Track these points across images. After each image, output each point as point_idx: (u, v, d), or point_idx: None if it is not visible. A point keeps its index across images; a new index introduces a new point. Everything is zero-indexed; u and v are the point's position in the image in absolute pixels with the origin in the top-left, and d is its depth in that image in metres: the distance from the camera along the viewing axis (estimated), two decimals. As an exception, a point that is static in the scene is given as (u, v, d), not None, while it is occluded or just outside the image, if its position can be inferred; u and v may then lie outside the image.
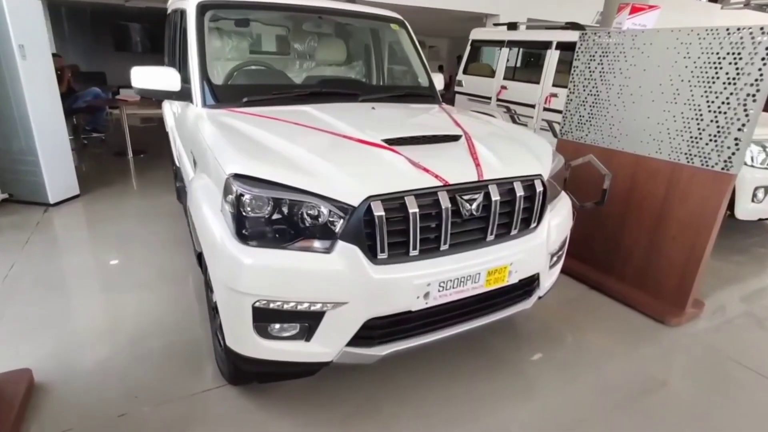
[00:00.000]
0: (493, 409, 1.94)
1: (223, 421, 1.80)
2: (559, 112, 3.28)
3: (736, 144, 2.31)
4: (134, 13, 10.92)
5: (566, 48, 4.86)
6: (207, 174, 1.79)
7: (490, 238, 1.74)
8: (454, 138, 1.94)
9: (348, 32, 3.15)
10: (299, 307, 1.48)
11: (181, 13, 2.61)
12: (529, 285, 1.95)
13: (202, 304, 2.54)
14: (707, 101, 2.41)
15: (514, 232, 1.80)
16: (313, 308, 1.50)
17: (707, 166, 2.44)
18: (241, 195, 1.46)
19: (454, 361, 2.20)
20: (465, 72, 6.41)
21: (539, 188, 1.83)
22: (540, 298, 2.06)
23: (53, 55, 6.36)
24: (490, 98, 5.89)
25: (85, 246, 3.43)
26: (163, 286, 2.79)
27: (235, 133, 1.83)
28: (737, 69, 2.28)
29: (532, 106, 5.28)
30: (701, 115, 2.44)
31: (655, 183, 2.70)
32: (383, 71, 3.20)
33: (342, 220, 1.48)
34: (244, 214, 1.46)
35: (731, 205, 3.54)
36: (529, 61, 5.58)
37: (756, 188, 3.54)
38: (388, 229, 1.51)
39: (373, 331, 1.59)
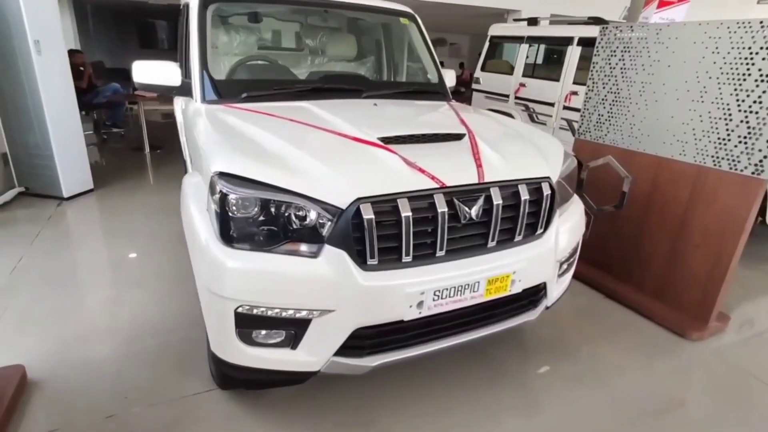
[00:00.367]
0: (495, 423, 1.82)
1: (210, 426, 1.75)
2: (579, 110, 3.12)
3: (769, 146, 2.13)
4: (158, 10, 11.09)
5: (588, 44, 4.65)
6: (199, 171, 1.74)
7: (491, 244, 1.63)
8: (457, 137, 1.83)
9: (355, 27, 3.06)
10: (284, 314, 1.41)
11: (187, 7, 2.57)
12: (534, 295, 1.83)
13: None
14: (737, 100, 2.23)
15: (518, 238, 1.69)
16: (298, 315, 1.42)
17: (736, 170, 2.26)
18: (225, 194, 1.39)
19: (454, 370, 2.10)
20: (483, 69, 6.23)
21: (546, 191, 1.71)
22: (548, 308, 1.93)
23: (75, 51, 6.52)
24: (507, 96, 5.71)
25: (93, 241, 3.45)
26: (165, 283, 2.77)
27: (227, 130, 1.76)
28: (771, 65, 2.10)
29: (552, 105, 5.09)
30: (730, 114, 2.27)
31: (678, 187, 2.52)
32: (391, 67, 3.10)
33: (329, 223, 1.40)
34: (227, 214, 1.39)
35: (762, 210, 3.31)
36: (550, 58, 5.38)
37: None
38: (379, 234, 1.42)
39: (362, 341, 1.51)
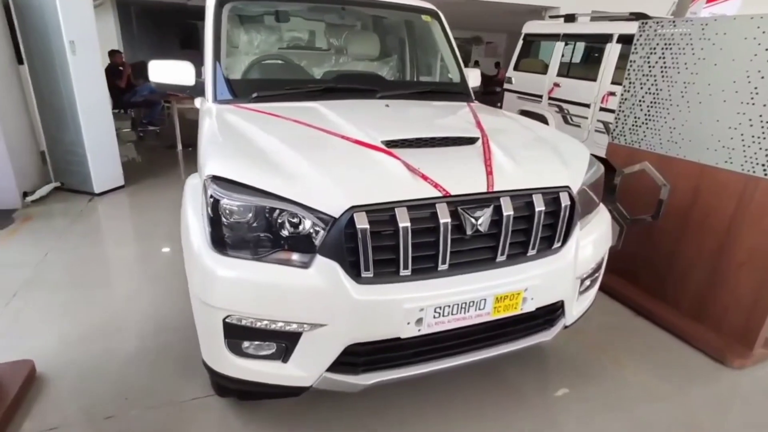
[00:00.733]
0: (502, 450, 1.70)
1: (205, 434, 1.71)
2: (613, 112, 2.91)
3: (830, 155, 1.88)
4: (198, 11, 11.39)
5: (628, 41, 4.35)
6: (200, 173, 1.70)
7: (500, 258, 1.50)
8: (470, 141, 1.71)
9: (374, 24, 2.97)
10: (273, 326, 1.34)
11: (205, 8, 2.56)
12: (550, 314, 1.68)
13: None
14: (794, 102, 1.99)
15: (531, 252, 1.55)
16: (288, 328, 1.35)
17: (790, 180, 2.02)
18: (217, 199, 1.33)
19: (462, 389, 1.97)
20: (516, 68, 6.01)
21: (565, 202, 1.56)
22: (566, 327, 1.78)
23: (114, 51, 6.76)
24: (541, 97, 5.47)
25: (117, 236, 3.55)
26: (183, 281, 2.78)
27: (229, 131, 1.71)
28: (836, 63, 1.85)
29: (587, 106, 4.82)
30: (785, 118, 2.03)
31: (722, 198, 2.29)
32: (413, 66, 2.99)
33: (321, 232, 1.32)
34: (218, 219, 1.34)
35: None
36: (587, 57, 5.11)
37: None
38: (375, 245, 1.32)
39: (356, 358, 1.42)
